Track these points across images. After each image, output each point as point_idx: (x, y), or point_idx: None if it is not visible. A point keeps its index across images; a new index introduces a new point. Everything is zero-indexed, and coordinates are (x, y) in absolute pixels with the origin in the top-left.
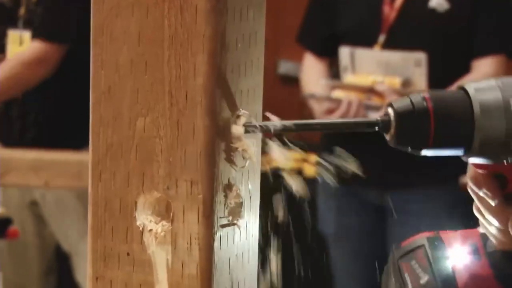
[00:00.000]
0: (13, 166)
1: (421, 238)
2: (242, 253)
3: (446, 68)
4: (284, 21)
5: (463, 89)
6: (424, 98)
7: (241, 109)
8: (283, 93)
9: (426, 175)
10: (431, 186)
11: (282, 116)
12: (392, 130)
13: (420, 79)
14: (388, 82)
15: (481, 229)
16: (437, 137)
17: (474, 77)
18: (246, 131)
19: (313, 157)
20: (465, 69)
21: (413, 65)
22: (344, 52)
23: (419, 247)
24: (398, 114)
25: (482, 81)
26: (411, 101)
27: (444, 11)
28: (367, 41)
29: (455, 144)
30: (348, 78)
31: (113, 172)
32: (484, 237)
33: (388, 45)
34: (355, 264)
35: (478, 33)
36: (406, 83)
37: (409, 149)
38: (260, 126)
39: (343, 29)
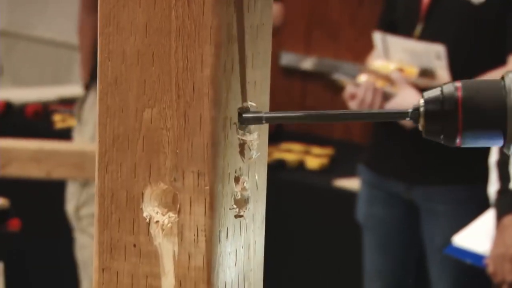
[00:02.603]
0: (14, 157)
1: None
2: (249, 245)
3: (477, 60)
4: (286, 13)
5: (503, 78)
6: (456, 87)
7: (248, 101)
8: (285, 85)
9: (452, 172)
10: (457, 184)
11: (284, 108)
12: (422, 121)
13: (441, 71)
14: (407, 70)
15: None
16: (466, 126)
17: (505, 71)
18: (249, 122)
19: (316, 149)
20: (496, 62)
21: (434, 58)
22: (377, 37)
23: None
24: (427, 104)
25: None
26: (441, 90)
27: (478, 3)
28: (408, 29)
29: (488, 133)
30: (374, 64)
31: (119, 163)
32: None
33: (424, 34)
34: (381, 255)
35: None
36: (425, 73)
37: (442, 141)
38: (273, 116)
39: (395, 16)
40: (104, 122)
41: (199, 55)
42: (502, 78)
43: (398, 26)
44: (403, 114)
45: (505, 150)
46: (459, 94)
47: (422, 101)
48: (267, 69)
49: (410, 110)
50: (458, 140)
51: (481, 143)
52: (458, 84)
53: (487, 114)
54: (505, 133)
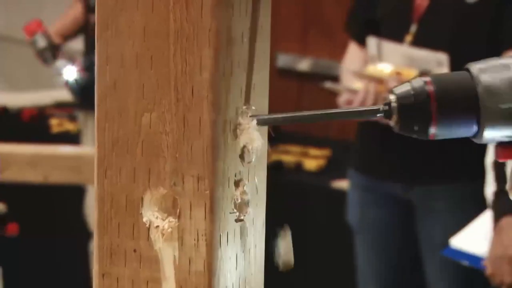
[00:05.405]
0: (11, 162)
1: None
2: (249, 249)
3: (473, 60)
4: (282, 14)
5: (467, 70)
6: (425, 82)
7: (247, 104)
8: (282, 86)
9: (453, 170)
10: (457, 182)
11: (280, 109)
12: (395, 116)
13: None
14: (405, 74)
15: None
16: (440, 118)
17: None
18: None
19: (313, 151)
20: None
21: (435, 65)
22: (371, 42)
23: None
24: (400, 99)
25: (485, 61)
26: (412, 85)
27: (473, 2)
28: (400, 31)
29: (462, 124)
30: (369, 69)
31: (119, 168)
32: None
33: (419, 35)
34: (376, 257)
35: (508, 25)
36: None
37: (415, 134)
38: (262, 118)
39: (379, 17)
40: (103, 127)
41: (198, 58)
42: (467, 69)
43: (384, 27)
44: (374, 111)
45: (476, 140)
46: (430, 87)
47: (393, 97)
48: (265, 72)
49: (380, 106)
50: (432, 133)
51: (454, 134)
52: (427, 78)
53: (459, 104)
54: (478, 121)
